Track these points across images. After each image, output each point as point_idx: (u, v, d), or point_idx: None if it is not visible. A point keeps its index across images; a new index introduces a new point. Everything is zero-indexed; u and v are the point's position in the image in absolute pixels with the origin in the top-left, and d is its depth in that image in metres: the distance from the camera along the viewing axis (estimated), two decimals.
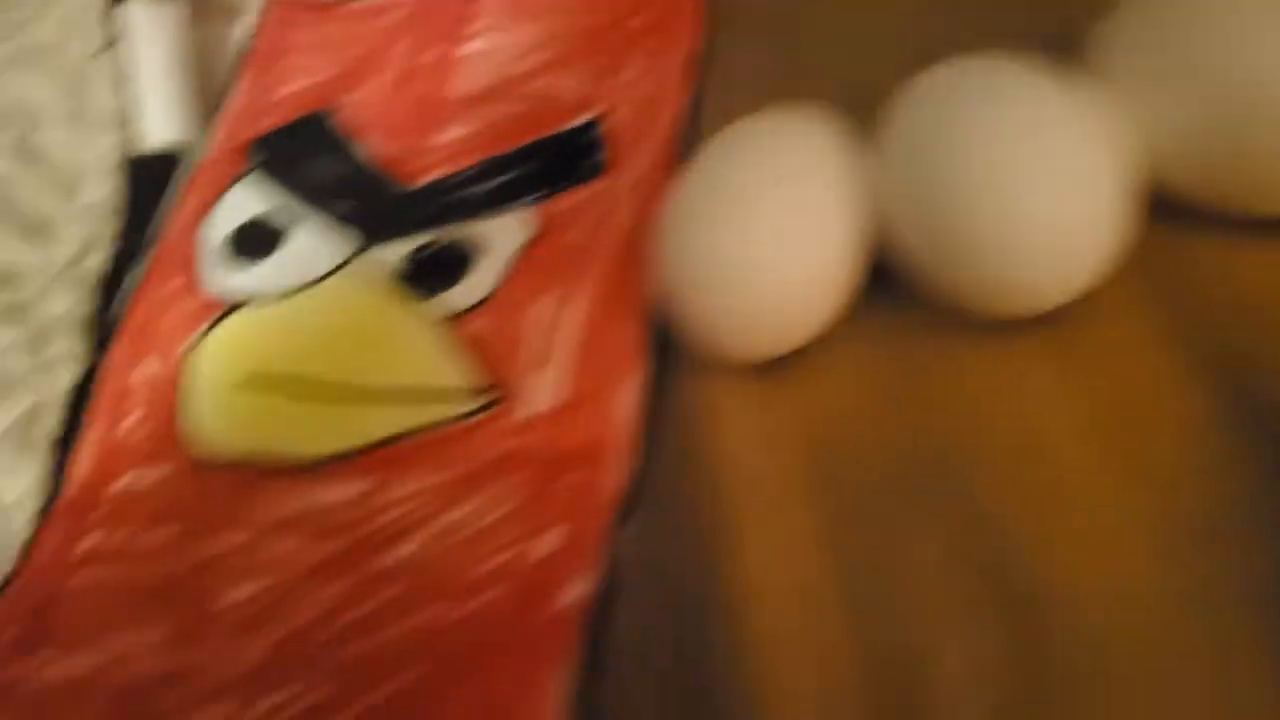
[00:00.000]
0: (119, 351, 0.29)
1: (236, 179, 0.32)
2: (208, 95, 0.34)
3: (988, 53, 0.24)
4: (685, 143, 0.29)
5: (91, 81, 0.34)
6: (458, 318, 0.27)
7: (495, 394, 0.25)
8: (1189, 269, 0.21)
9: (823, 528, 0.20)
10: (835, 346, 0.23)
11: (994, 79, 0.22)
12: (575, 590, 0.21)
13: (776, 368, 0.23)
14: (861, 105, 0.27)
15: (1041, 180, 0.20)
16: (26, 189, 0.33)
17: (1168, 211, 0.22)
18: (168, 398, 0.28)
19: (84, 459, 0.27)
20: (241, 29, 0.36)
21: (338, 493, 0.25)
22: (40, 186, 0.33)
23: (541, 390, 0.25)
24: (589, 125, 0.30)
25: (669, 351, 0.24)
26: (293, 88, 0.34)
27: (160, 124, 0.33)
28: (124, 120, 0.33)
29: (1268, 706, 0.16)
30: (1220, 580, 0.17)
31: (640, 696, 0.20)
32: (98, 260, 0.32)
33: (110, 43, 0.34)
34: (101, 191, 0.33)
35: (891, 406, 0.22)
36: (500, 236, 0.28)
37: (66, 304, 0.31)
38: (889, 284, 0.23)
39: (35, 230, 0.32)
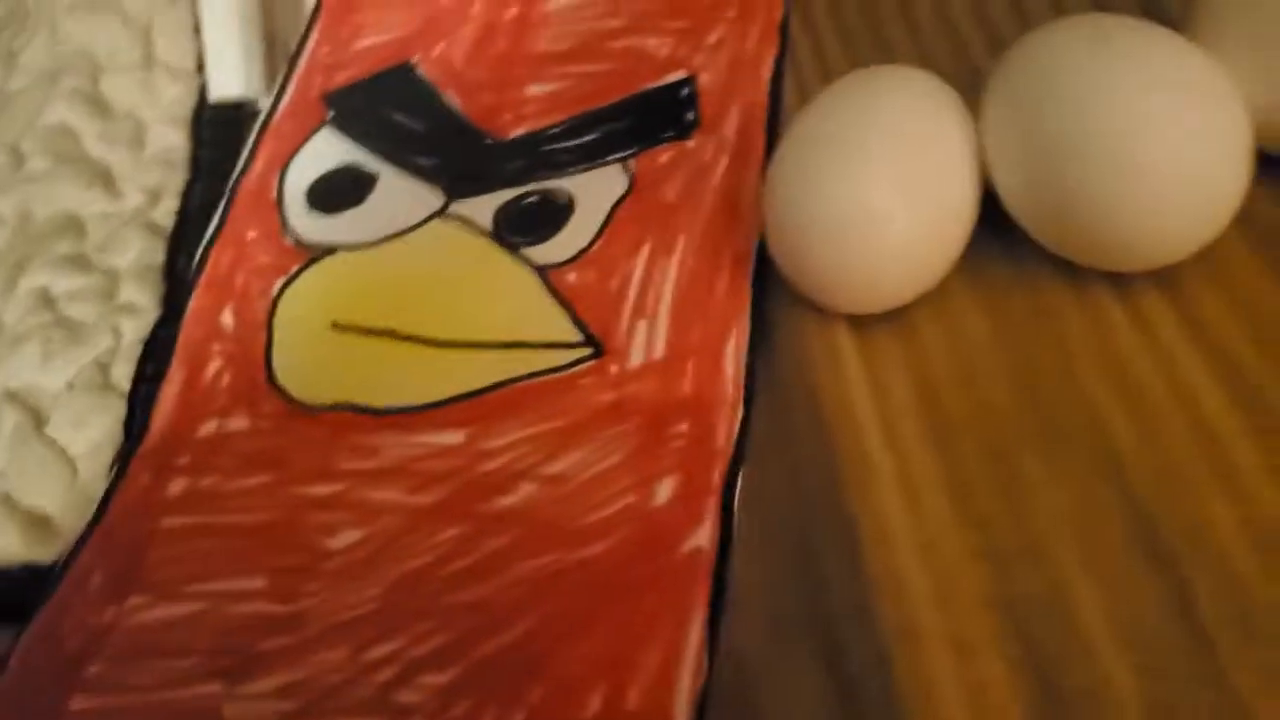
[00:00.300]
0: (198, 301, 0.29)
1: (315, 130, 0.32)
2: (280, 47, 0.34)
3: (1098, 14, 0.24)
4: (777, 103, 0.29)
5: (160, 29, 0.33)
6: (556, 270, 0.27)
7: (597, 345, 0.25)
8: None
9: (951, 475, 0.20)
10: (951, 298, 0.23)
11: (1106, 35, 0.22)
12: (697, 538, 0.21)
13: (892, 318, 0.23)
14: (953, 68, 0.27)
15: (1162, 132, 0.20)
16: (91, 137, 0.32)
17: (1276, 172, 0.22)
18: (253, 346, 0.27)
19: (165, 406, 0.27)
20: None
21: (437, 440, 0.24)
22: (106, 135, 0.32)
23: (645, 342, 0.25)
24: (682, 83, 0.30)
25: (781, 302, 0.24)
26: (370, 41, 0.34)
27: (230, 75, 0.33)
28: (193, 70, 0.33)
29: None
30: None
31: (763, 644, 0.19)
32: (166, 210, 0.31)
33: None
34: (169, 141, 0.32)
35: (1011, 357, 0.22)
36: (595, 190, 0.28)
37: (135, 253, 0.30)
38: (1004, 236, 0.23)
39: (102, 179, 0.31)
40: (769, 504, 0.21)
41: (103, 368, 0.28)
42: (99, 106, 0.33)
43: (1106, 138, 0.20)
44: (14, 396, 0.28)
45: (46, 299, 0.29)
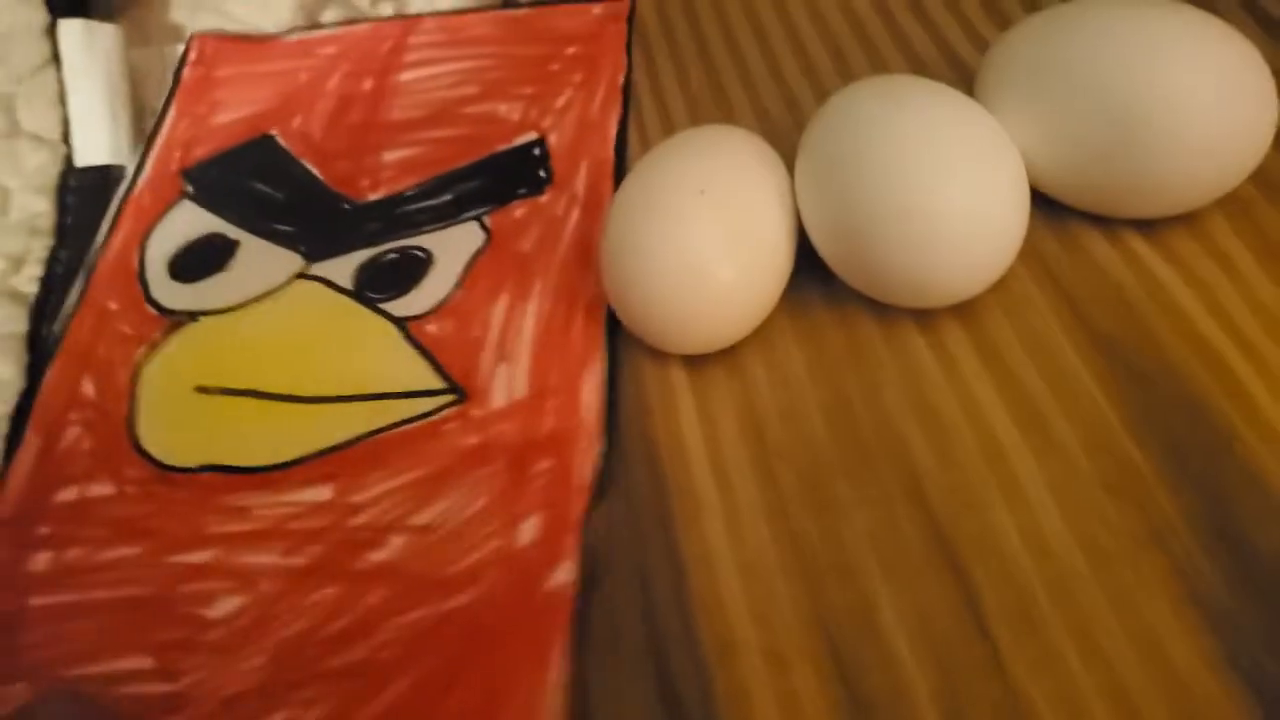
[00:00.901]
0: (57, 370, 0.29)
1: (173, 204, 0.32)
2: (149, 115, 0.34)
3: (893, 75, 0.27)
4: (622, 158, 0.31)
5: (25, 99, 0.33)
6: (415, 321, 0.28)
7: (459, 391, 0.26)
8: (1075, 261, 0.24)
9: (770, 501, 0.22)
10: (774, 336, 0.25)
11: (899, 96, 0.24)
12: (559, 574, 0.22)
13: (723, 355, 0.25)
14: (784, 122, 0.29)
15: (947, 182, 0.22)
16: None
17: (1053, 212, 0.24)
18: (115, 412, 0.27)
19: (19, 474, 0.27)
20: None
21: (306, 497, 0.24)
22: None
23: (507, 384, 0.26)
24: (533, 143, 0.32)
25: (621, 345, 0.26)
26: (227, 117, 0.35)
27: (97, 140, 0.33)
28: (58, 139, 0.33)
29: (1169, 635, 0.18)
30: (1123, 530, 0.20)
31: (601, 665, 0.21)
32: (29, 277, 0.31)
33: (47, 61, 0.34)
34: (34, 208, 0.32)
35: (826, 391, 0.24)
36: (453, 246, 0.29)
37: None
38: (822, 278, 0.25)
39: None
40: (612, 534, 0.23)
41: None
42: None
43: (900, 191, 0.22)
44: None
45: None
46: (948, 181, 0.22)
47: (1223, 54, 0.22)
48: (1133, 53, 0.23)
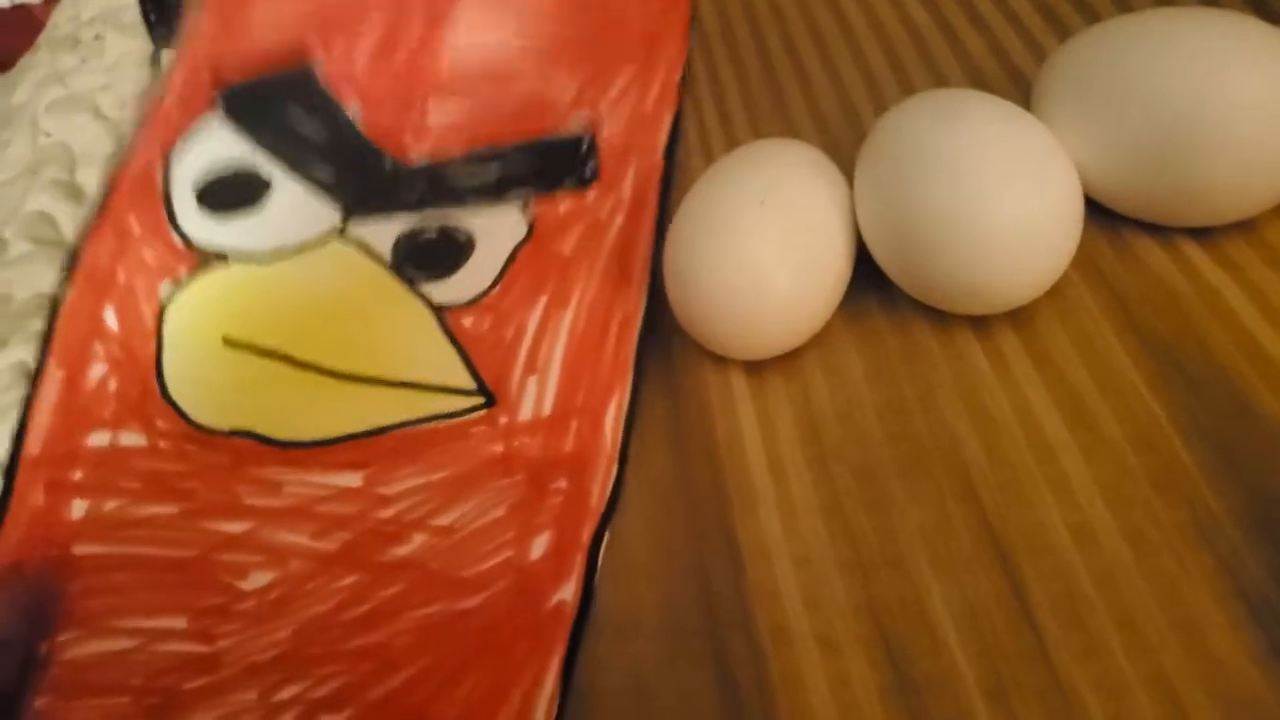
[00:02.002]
0: (77, 293, 0.28)
1: (203, 117, 0.31)
2: None
3: (949, 89, 0.28)
4: (670, 166, 0.31)
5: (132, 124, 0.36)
6: (453, 311, 0.27)
7: (489, 395, 0.26)
8: (1129, 268, 0.24)
9: (825, 498, 0.23)
10: (833, 342, 0.26)
11: (956, 109, 0.25)
12: (563, 592, 0.23)
13: (782, 360, 0.26)
14: (843, 133, 0.30)
15: (1003, 192, 0.23)
16: (66, 221, 0.35)
17: (1107, 220, 0.25)
18: (142, 354, 0.27)
19: (44, 408, 0.27)
20: None
21: (336, 482, 0.25)
22: (80, 220, 0.35)
23: (534, 398, 0.26)
24: (584, 136, 0.31)
25: (685, 350, 0.27)
26: (265, 26, 0.32)
27: None
28: None
29: (1212, 627, 0.19)
30: (1170, 526, 0.20)
31: (660, 651, 0.22)
32: None
33: (152, 85, 0.36)
34: None
35: (882, 394, 0.24)
36: (495, 232, 0.28)
37: None
38: (879, 286, 0.26)
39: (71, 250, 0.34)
40: (669, 532, 0.24)
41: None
42: (74, 193, 0.35)
43: (956, 201, 0.23)
44: None
45: (27, 373, 0.32)
46: (1003, 193, 0.23)
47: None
48: (1190, 62, 0.24)
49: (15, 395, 0.31)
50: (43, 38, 0.40)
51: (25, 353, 0.32)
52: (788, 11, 0.36)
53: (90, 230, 0.29)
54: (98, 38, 0.38)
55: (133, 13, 0.38)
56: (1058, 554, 0.20)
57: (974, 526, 0.21)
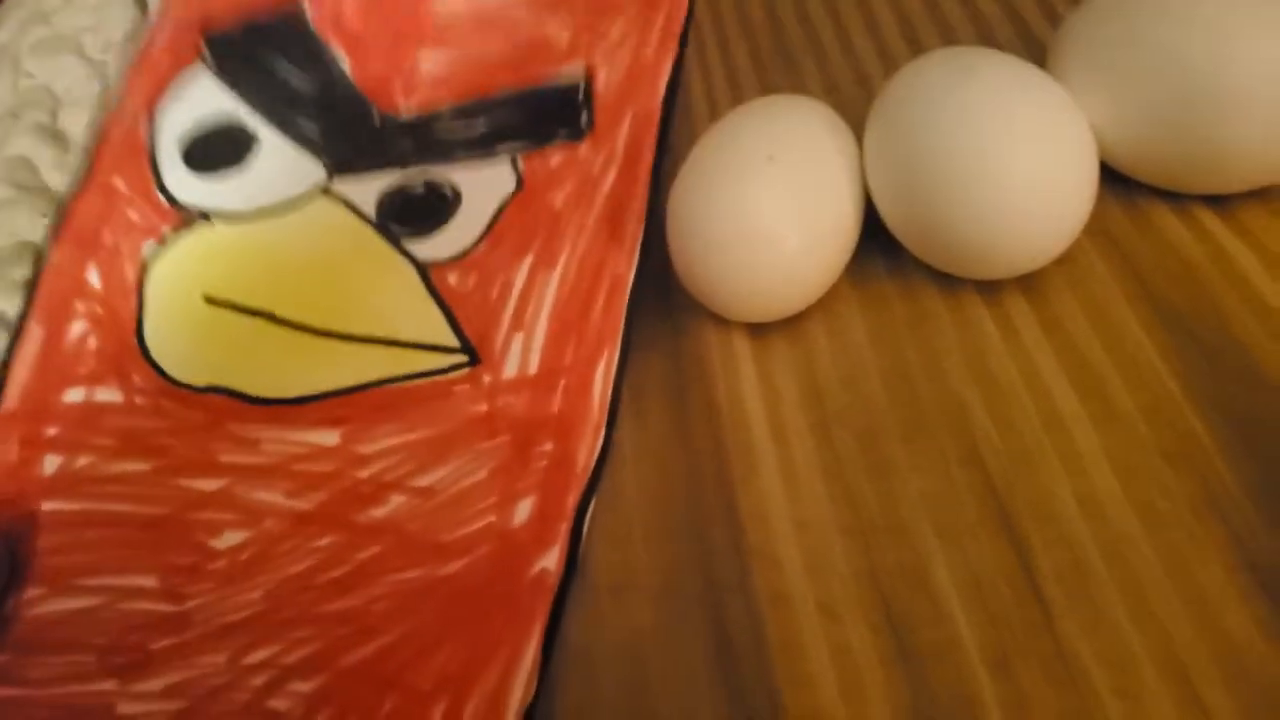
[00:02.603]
0: (61, 253, 0.28)
1: (190, 68, 0.30)
2: None
3: (963, 46, 0.27)
4: (669, 116, 0.30)
5: (117, 66, 0.35)
6: (438, 268, 0.27)
7: (473, 354, 0.25)
8: (1143, 235, 0.24)
9: (827, 462, 0.22)
10: (838, 306, 0.25)
11: (970, 67, 0.24)
12: (545, 560, 0.22)
13: (786, 323, 0.25)
14: (853, 94, 0.30)
15: (1017, 154, 0.22)
16: (48, 167, 0.34)
17: (1121, 187, 0.24)
18: (123, 311, 0.27)
19: (23, 365, 0.26)
20: None
21: (314, 439, 0.24)
22: (64, 165, 0.34)
23: (520, 356, 0.25)
24: (578, 85, 0.30)
25: (687, 310, 0.26)
26: None
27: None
28: None
29: (1222, 599, 0.18)
30: (1181, 497, 0.20)
31: (655, 613, 0.21)
32: None
33: (138, 30, 0.35)
34: None
35: (887, 358, 0.24)
36: (483, 185, 0.28)
37: None
38: (887, 250, 0.25)
39: (58, 209, 0.33)
40: (668, 493, 0.23)
41: None
42: (57, 138, 0.34)
43: (969, 160, 0.23)
44: None
45: (6, 323, 0.31)
46: (1015, 153, 0.22)
47: None
48: (1207, 26, 0.23)
49: None
50: None
51: (4, 302, 0.31)
52: None
53: (78, 190, 0.29)
54: None
55: None
56: (1065, 524, 0.20)
57: (979, 494, 0.21)
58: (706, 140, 0.26)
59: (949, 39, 0.31)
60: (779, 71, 0.32)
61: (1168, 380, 0.21)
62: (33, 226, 0.33)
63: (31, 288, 0.27)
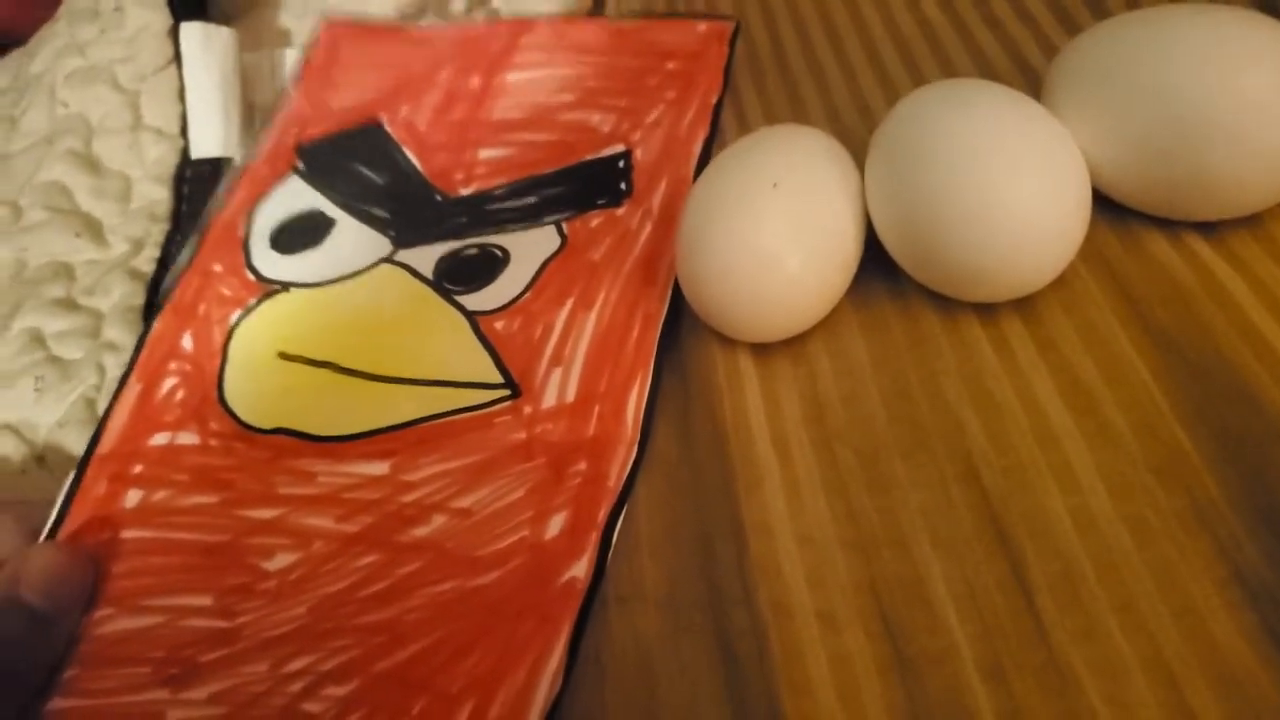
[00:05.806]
0: (163, 323, 0.31)
1: (285, 176, 0.34)
2: (257, 113, 0.37)
3: (961, 79, 0.28)
4: (700, 171, 0.31)
5: (148, 96, 0.36)
6: (485, 316, 0.29)
7: (515, 388, 0.27)
8: (1135, 260, 0.25)
9: (829, 478, 0.23)
10: (840, 326, 0.26)
11: (968, 99, 0.25)
12: (575, 569, 0.23)
13: (789, 344, 0.26)
14: (855, 125, 0.31)
15: (1012, 182, 0.23)
16: (81, 192, 0.35)
17: (1114, 213, 0.25)
18: (208, 368, 0.30)
19: (120, 414, 0.29)
20: (292, 54, 0.39)
21: (365, 470, 0.26)
22: (97, 190, 0.35)
23: (559, 387, 0.27)
24: (619, 155, 0.33)
25: (694, 332, 0.27)
26: (344, 99, 0.37)
27: (210, 136, 0.36)
28: (177, 133, 0.36)
29: (1210, 610, 0.19)
30: (1170, 511, 0.20)
31: (661, 623, 0.22)
32: (148, 258, 0.34)
33: (169, 61, 0.36)
34: (153, 196, 0.35)
35: (887, 378, 0.25)
36: (529, 246, 0.31)
37: (118, 296, 0.33)
38: (887, 273, 0.26)
39: (91, 230, 0.34)
40: (674, 507, 0.24)
41: (89, 403, 0.31)
42: (90, 164, 0.36)
43: (967, 188, 0.23)
44: (10, 428, 0.30)
45: (38, 338, 0.32)
46: (1011, 181, 0.23)
47: None
48: (1199, 58, 0.24)
49: (27, 360, 0.31)
50: (63, 9, 0.40)
51: (37, 319, 0.32)
52: (803, 8, 0.36)
53: (182, 273, 0.32)
54: (117, 9, 0.38)
55: None
56: (1058, 537, 0.21)
57: (976, 509, 0.22)
58: (714, 167, 0.27)
59: (948, 70, 0.32)
60: (783, 102, 0.33)
61: (1158, 398, 0.22)
62: (67, 248, 0.34)
63: (136, 350, 0.31)
